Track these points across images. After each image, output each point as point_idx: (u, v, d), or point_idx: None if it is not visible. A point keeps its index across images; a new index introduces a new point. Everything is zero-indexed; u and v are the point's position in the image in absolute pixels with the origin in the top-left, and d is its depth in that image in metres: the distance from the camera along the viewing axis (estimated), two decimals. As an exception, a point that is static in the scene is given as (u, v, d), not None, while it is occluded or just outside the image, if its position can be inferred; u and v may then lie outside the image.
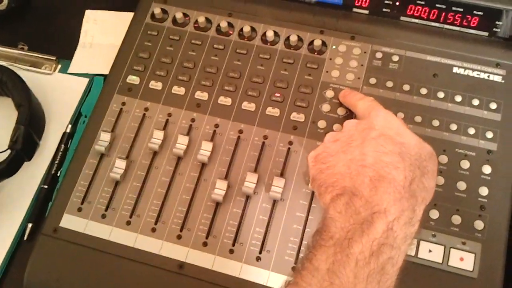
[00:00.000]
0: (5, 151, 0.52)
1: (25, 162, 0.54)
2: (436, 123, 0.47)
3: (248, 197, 0.46)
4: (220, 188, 0.45)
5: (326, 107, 0.49)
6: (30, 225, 0.51)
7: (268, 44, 0.53)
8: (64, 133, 0.55)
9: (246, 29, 0.53)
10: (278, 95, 0.50)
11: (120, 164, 0.48)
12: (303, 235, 0.44)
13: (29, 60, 0.61)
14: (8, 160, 0.52)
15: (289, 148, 0.48)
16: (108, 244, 0.46)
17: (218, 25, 0.54)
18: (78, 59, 0.61)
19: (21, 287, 0.46)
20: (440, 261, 0.42)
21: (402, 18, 0.53)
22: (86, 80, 0.59)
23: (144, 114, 0.51)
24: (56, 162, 0.54)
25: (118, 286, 0.45)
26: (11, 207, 0.52)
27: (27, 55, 0.61)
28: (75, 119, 0.57)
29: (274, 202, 0.46)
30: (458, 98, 0.48)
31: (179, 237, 0.45)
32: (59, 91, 0.59)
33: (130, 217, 0.47)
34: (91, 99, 0.58)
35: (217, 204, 0.46)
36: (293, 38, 0.52)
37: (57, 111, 0.58)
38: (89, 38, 0.62)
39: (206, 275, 0.44)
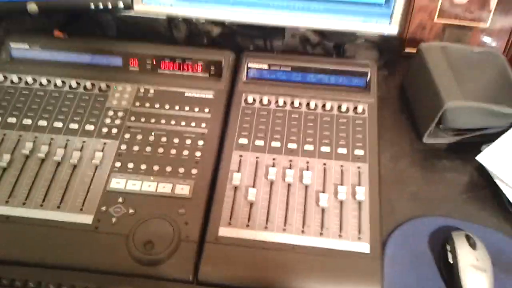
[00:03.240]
0: None
1: None
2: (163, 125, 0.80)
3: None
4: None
5: (108, 120, 0.80)
6: None
7: (72, 89, 0.84)
8: None
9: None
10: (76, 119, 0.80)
11: None
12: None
13: None
14: None
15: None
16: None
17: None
18: None
19: None
20: (169, 191, 0.71)
21: (159, 70, 0.87)
22: None
23: None
24: None
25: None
26: None
27: None
28: None
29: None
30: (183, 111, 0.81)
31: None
32: None
33: None
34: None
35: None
36: (88, 85, 0.84)
37: None
38: None
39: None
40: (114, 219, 0.69)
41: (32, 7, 0.88)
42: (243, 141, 0.78)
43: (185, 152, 0.76)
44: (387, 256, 0.70)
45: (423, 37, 0.98)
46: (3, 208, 0.70)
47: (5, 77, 0.85)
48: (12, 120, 0.80)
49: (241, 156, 0.76)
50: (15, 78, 0.85)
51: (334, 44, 0.99)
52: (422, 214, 0.76)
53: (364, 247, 0.67)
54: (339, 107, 0.82)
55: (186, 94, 0.84)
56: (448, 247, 0.69)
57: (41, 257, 0.66)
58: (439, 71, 0.84)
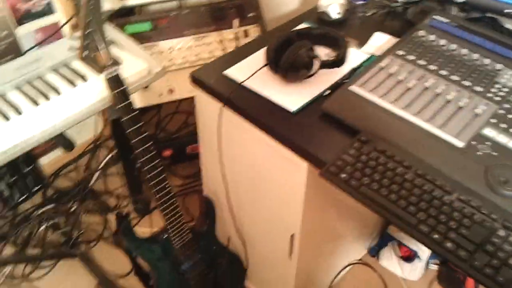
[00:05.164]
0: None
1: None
2: None
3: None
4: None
5: (493, 90, 0.97)
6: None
7: (472, 60, 1.04)
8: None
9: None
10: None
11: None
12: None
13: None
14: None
15: (469, 97, 0.96)
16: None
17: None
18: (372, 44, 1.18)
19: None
20: None
21: (548, 74, 1.01)
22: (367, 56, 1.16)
23: (401, 66, 1.04)
24: (345, 77, 1.09)
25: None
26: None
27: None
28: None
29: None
30: None
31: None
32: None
33: (383, 97, 0.98)
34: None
35: None
36: (486, 61, 1.03)
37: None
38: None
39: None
40: (479, 153, 0.86)
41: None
42: None
43: None
44: None
45: None
46: (402, 112, 0.95)
47: (424, 36, 1.11)
48: (423, 62, 1.05)
49: None
50: (432, 37, 1.10)
51: None
52: None
53: None
54: None
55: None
56: None
57: (416, 152, 0.88)
58: None
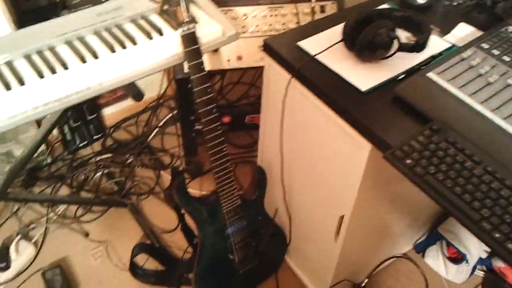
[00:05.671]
0: None
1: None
2: None
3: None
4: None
5: None
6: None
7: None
8: (431, 55, 1.07)
9: None
10: None
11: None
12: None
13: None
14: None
15: None
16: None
17: None
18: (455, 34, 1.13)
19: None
20: None
21: None
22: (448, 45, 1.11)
23: (485, 59, 0.99)
24: (422, 63, 1.05)
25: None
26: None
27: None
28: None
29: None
30: None
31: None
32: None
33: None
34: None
35: None
36: None
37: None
38: (456, 32, 1.15)
39: None
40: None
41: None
42: None
43: None
44: None
45: None
46: (479, 106, 0.91)
47: (512, 31, 1.06)
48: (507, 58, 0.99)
49: None
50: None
51: None
52: None
53: None
54: None
55: None
56: None
57: (488, 148, 0.84)
58: None
